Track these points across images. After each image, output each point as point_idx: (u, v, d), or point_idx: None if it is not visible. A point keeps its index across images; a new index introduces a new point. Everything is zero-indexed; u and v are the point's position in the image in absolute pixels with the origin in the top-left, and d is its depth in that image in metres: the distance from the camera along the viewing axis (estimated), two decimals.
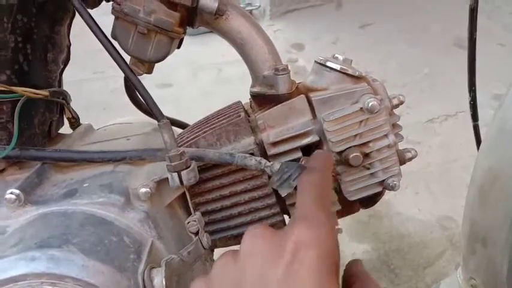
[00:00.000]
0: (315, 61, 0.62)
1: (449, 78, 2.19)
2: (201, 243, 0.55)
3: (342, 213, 0.67)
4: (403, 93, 0.64)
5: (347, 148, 0.59)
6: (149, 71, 0.63)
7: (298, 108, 0.60)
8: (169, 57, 0.62)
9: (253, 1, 3.12)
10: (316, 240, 0.37)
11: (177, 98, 2.21)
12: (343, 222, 0.70)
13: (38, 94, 0.61)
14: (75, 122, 0.76)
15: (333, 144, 0.59)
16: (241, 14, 0.63)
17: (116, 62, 0.57)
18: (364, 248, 1.42)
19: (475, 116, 0.93)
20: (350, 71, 0.60)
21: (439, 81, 2.26)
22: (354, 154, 0.59)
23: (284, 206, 0.64)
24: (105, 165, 0.61)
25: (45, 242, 0.48)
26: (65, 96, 0.69)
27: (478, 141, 0.94)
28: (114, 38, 0.60)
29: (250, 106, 0.67)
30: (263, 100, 0.63)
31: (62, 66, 0.69)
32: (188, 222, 0.55)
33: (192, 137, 0.62)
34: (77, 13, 0.58)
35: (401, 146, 0.64)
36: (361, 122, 0.59)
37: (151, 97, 0.57)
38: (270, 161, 0.56)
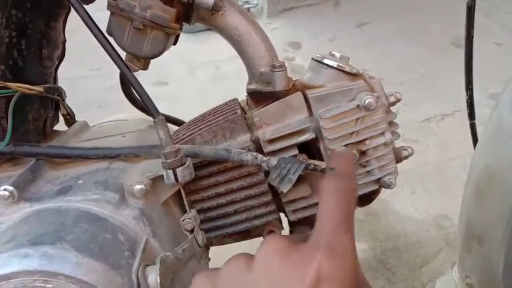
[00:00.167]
0: (312, 58, 0.62)
1: (446, 77, 2.19)
2: (196, 241, 0.55)
3: None
4: (400, 91, 0.64)
5: (343, 146, 0.59)
6: (145, 67, 0.63)
7: (295, 105, 0.59)
8: (165, 55, 0.62)
9: None
10: (340, 273, 0.35)
11: (174, 95, 2.21)
12: None
13: (32, 90, 0.61)
14: (70, 119, 0.75)
15: (329, 141, 0.59)
16: (238, 10, 0.62)
17: (112, 58, 0.56)
18: (360, 246, 1.42)
19: (471, 115, 0.93)
20: (347, 68, 0.59)
21: (436, 80, 2.27)
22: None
23: (280, 203, 0.63)
24: (100, 162, 0.60)
25: (38, 239, 0.47)
26: (60, 92, 0.69)
27: (475, 140, 0.94)
28: (110, 34, 0.59)
29: (247, 103, 0.66)
30: (260, 97, 0.62)
31: (57, 62, 0.68)
32: (183, 220, 0.54)
33: (187, 134, 0.62)
34: (72, 9, 0.57)
35: (397, 144, 0.64)
36: (357, 119, 0.59)
37: (146, 93, 0.56)
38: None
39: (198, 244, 0.55)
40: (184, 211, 0.62)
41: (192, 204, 0.62)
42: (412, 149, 0.65)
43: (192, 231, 0.55)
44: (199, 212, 0.61)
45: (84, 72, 2.26)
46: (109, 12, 0.58)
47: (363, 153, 0.60)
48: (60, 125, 0.75)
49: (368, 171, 0.61)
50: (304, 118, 0.59)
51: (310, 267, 0.34)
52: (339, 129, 0.59)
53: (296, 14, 3.08)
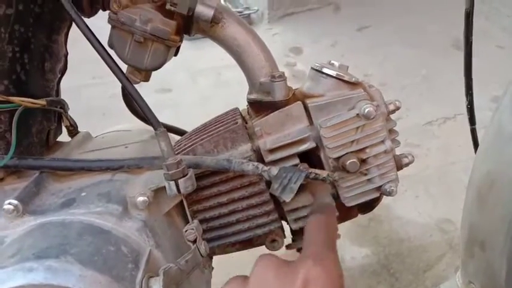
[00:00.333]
0: (311, 67, 0.63)
1: (447, 80, 2.19)
2: (199, 251, 0.55)
3: (340, 219, 0.67)
4: (402, 95, 0.64)
5: (344, 154, 0.59)
6: (146, 79, 0.64)
7: (295, 114, 0.60)
8: (168, 62, 0.62)
9: (251, 5, 3.12)
10: (326, 277, 0.39)
11: (177, 102, 2.21)
12: (342, 226, 0.70)
13: (35, 104, 0.61)
14: (73, 130, 0.76)
15: (329, 150, 0.59)
16: (237, 21, 0.63)
17: (112, 71, 0.57)
18: (364, 252, 1.42)
19: (472, 120, 0.93)
20: (346, 77, 0.60)
21: (438, 83, 2.27)
22: (351, 160, 0.59)
23: (282, 212, 0.64)
24: (103, 173, 0.61)
25: (42, 252, 0.48)
26: (62, 105, 0.70)
27: (476, 145, 0.94)
28: (111, 47, 0.60)
29: (248, 113, 0.67)
30: (260, 107, 0.63)
31: (59, 75, 0.69)
32: (186, 231, 0.55)
33: (189, 144, 0.62)
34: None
35: (400, 148, 0.64)
36: (357, 128, 0.59)
37: (147, 106, 0.57)
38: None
39: (201, 254, 0.56)
40: (187, 221, 0.63)
41: (195, 214, 0.63)
42: (413, 157, 0.65)
43: (194, 241, 0.55)
44: (201, 221, 0.62)
45: (87, 81, 2.27)
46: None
47: (363, 161, 0.60)
48: (64, 136, 0.76)
49: (369, 179, 0.62)
50: (305, 127, 0.60)
51: (299, 274, 0.39)
52: (339, 138, 0.59)
53: (297, 19, 3.09)
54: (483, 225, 0.80)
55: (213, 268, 0.69)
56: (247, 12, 3.05)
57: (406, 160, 0.64)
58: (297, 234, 0.67)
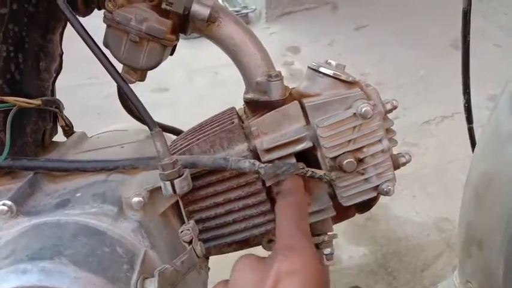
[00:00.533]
0: (308, 67, 0.62)
1: (445, 79, 2.19)
2: (195, 251, 0.55)
3: (337, 219, 0.67)
4: (399, 95, 0.64)
5: (341, 154, 0.59)
6: (142, 78, 0.63)
7: (292, 114, 0.59)
8: (164, 61, 0.62)
9: (248, 4, 3.12)
10: (300, 264, 0.39)
11: (174, 102, 2.21)
12: (339, 226, 0.69)
13: (30, 103, 0.61)
14: (69, 130, 0.76)
15: (326, 150, 0.59)
16: (233, 20, 0.63)
17: (107, 71, 0.57)
18: (361, 251, 1.42)
19: (469, 119, 0.93)
20: (343, 77, 0.59)
21: (435, 82, 2.27)
22: (348, 160, 0.59)
23: None
24: (98, 174, 0.60)
25: (36, 253, 0.47)
26: (57, 104, 0.69)
27: (473, 144, 0.94)
28: (106, 47, 0.59)
29: (244, 112, 0.67)
30: (256, 106, 0.63)
31: (54, 75, 0.68)
32: (182, 231, 0.54)
33: (185, 144, 0.62)
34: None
35: (397, 148, 0.64)
36: (354, 127, 0.59)
37: (143, 105, 0.57)
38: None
39: (197, 255, 0.55)
40: (182, 221, 0.62)
41: (191, 215, 0.62)
42: (410, 156, 0.65)
43: (190, 242, 0.55)
44: (197, 222, 0.61)
45: (83, 81, 2.27)
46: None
47: (360, 161, 0.60)
48: (59, 136, 0.75)
49: (366, 179, 0.61)
50: (301, 127, 0.59)
51: (270, 270, 0.39)
52: (336, 138, 0.59)
53: (294, 18, 3.09)
54: (480, 224, 0.80)
55: (209, 269, 0.69)
56: (244, 11, 3.05)
57: (403, 159, 0.64)
58: None
